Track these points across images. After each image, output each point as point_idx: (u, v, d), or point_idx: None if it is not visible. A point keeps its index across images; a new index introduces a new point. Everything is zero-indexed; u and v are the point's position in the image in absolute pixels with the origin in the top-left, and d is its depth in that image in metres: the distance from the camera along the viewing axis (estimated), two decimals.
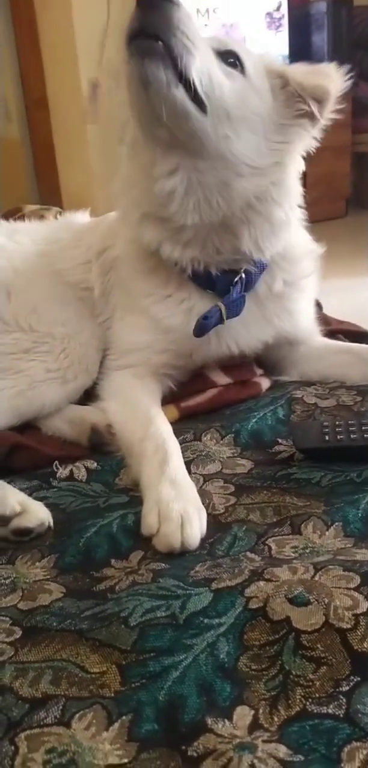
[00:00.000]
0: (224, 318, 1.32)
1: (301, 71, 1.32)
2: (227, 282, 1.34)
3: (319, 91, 1.29)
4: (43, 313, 1.39)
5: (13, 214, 2.08)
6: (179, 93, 1.17)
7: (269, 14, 5.08)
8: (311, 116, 1.30)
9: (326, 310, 1.81)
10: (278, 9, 5.10)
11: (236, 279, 1.34)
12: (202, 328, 1.30)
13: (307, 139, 1.34)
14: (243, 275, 1.34)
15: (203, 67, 1.18)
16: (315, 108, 1.29)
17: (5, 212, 2.02)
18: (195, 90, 1.18)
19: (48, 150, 5.16)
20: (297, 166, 1.37)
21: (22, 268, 1.47)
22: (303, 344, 1.51)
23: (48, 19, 4.79)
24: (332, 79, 1.30)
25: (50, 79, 5.02)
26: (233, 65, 1.26)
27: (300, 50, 5.04)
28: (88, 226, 1.65)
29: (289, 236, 1.39)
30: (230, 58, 1.25)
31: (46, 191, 5.05)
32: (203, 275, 1.36)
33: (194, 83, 1.17)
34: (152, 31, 1.13)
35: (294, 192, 1.38)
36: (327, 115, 1.31)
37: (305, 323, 1.50)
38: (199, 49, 1.17)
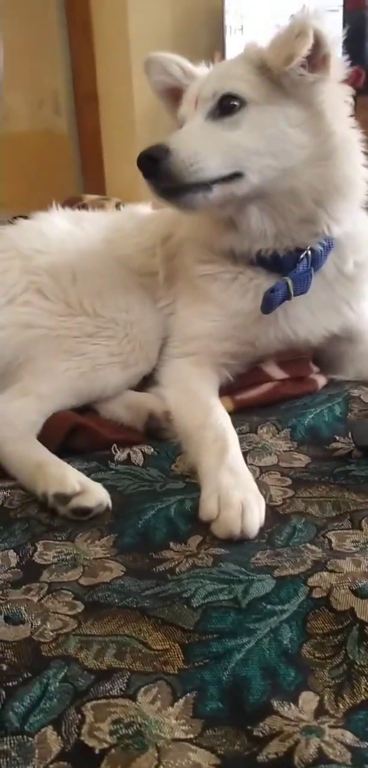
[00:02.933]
0: (292, 293, 1.32)
1: (273, 48, 1.28)
2: (293, 261, 1.35)
3: (289, 58, 1.23)
4: (107, 299, 1.40)
5: (75, 202, 2.10)
6: (214, 193, 1.26)
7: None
8: (317, 66, 1.26)
9: None
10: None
11: (302, 255, 1.34)
12: (269, 301, 1.30)
13: (332, 83, 1.31)
14: (309, 252, 1.35)
15: (214, 157, 1.25)
16: (309, 75, 1.26)
17: (66, 200, 2.04)
18: (222, 177, 1.26)
19: (95, 144, 5.18)
20: (341, 119, 1.34)
21: (88, 254, 1.49)
22: (363, 342, 1.50)
23: (103, 13, 4.82)
24: (301, 36, 1.22)
25: (101, 74, 5.04)
26: (232, 108, 1.28)
27: (355, 54, 5.00)
28: (152, 216, 1.66)
29: (358, 216, 1.40)
30: (229, 101, 1.28)
31: (92, 185, 5.08)
32: (270, 258, 1.37)
33: (219, 177, 1.26)
34: (168, 184, 1.25)
35: (357, 150, 1.36)
36: (328, 51, 1.25)
37: (366, 319, 1.50)
38: (205, 150, 1.25)
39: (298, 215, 1.33)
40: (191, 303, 1.45)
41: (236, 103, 1.28)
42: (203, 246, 1.45)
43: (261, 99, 1.28)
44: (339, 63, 1.31)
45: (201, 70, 1.45)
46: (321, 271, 1.39)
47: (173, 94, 1.45)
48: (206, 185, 1.25)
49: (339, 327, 1.44)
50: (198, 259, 1.45)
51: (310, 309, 1.39)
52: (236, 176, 1.27)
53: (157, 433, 1.31)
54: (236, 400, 1.40)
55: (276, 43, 1.27)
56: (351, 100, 1.36)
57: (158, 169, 1.22)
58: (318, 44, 1.23)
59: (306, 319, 1.40)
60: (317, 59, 1.25)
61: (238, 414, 1.36)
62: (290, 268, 1.34)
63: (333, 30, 1.28)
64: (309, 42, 1.21)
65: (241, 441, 1.21)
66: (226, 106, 1.28)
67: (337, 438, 1.25)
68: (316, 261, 1.36)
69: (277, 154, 1.28)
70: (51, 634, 0.81)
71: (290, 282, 1.32)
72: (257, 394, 1.42)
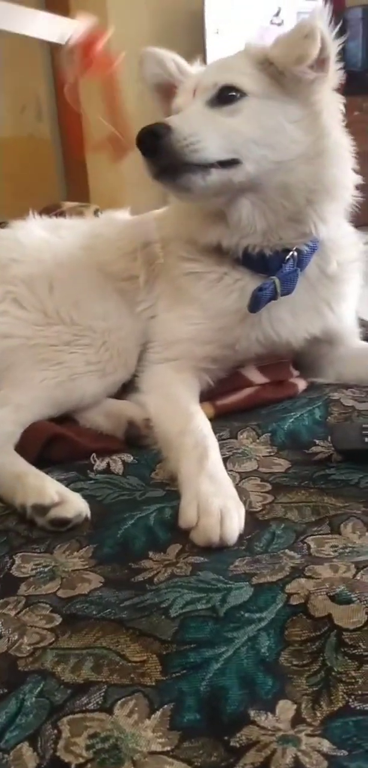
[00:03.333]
0: (278, 292, 1.33)
1: (281, 47, 1.31)
2: (279, 261, 1.35)
3: (300, 59, 1.27)
4: (84, 307, 1.40)
5: (53, 210, 2.09)
6: (213, 176, 1.28)
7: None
8: (317, 66, 1.29)
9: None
10: (277, 14, 5.04)
11: (288, 256, 1.35)
12: (257, 300, 1.31)
13: (329, 87, 1.34)
14: (295, 253, 1.36)
15: (214, 139, 1.27)
16: (310, 72, 1.28)
17: (44, 208, 2.03)
18: (221, 161, 1.27)
19: (78, 150, 5.17)
20: (336, 122, 1.37)
21: (65, 262, 1.48)
22: (343, 344, 1.51)
23: (83, 17, 4.81)
24: (310, 37, 1.25)
25: (84, 80, 5.04)
26: (232, 98, 1.30)
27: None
28: (131, 222, 1.66)
29: (340, 221, 1.42)
30: (228, 92, 1.30)
31: (75, 190, 5.07)
32: (256, 258, 1.38)
33: (217, 160, 1.27)
34: (167, 162, 1.25)
35: (346, 154, 1.39)
36: (328, 53, 1.29)
37: (348, 319, 1.51)
38: (205, 131, 1.26)
39: (288, 211, 1.35)
40: (172, 306, 1.45)
41: (236, 94, 1.30)
42: (188, 243, 1.45)
43: (261, 92, 1.31)
44: (336, 67, 1.33)
45: (196, 68, 1.47)
46: (304, 272, 1.39)
47: (165, 90, 1.46)
48: (205, 167, 1.26)
49: (320, 329, 1.44)
50: (182, 258, 1.46)
51: (292, 310, 1.40)
52: (234, 162, 1.29)
53: (137, 440, 1.30)
54: (216, 405, 1.39)
55: (283, 43, 1.31)
56: (343, 108, 1.39)
57: (158, 146, 1.23)
58: (322, 46, 1.26)
59: (289, 321, 1.40)
60: (318, 60, 1.28)
61: (219, 419, 1.35)
62: (275, 268, 1.35)
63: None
64: (318, 44, 1.25)
65: (221, 447, 1.21)
66: (226, 96, 1.31)
67: (317, 442, 1.25)
68: (301, 262, 1.37)
69: (274, 146, 1.30)
70: (28, 648, 0.81)
71: (277, 282, 1.32)
72: (238, 399, 1.42)
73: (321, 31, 1.25)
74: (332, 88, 1.35)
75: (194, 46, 4.71)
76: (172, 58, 1.46)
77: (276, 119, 1.31)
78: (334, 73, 1.33)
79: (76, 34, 0.95)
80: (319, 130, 1.33)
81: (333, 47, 1.30)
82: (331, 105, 1.36)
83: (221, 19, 4.89)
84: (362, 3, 5.46)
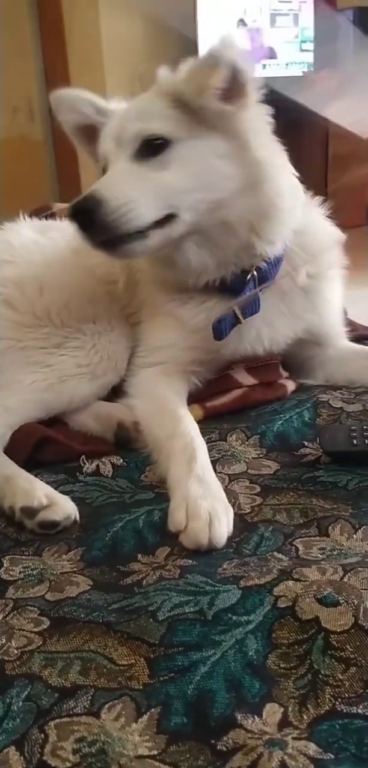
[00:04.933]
0: (241, 318, 1.33)
1: (186, 79, 1.26)
2: (242, 281, 1.35)
3: (201, 89, 1.23)
4: (74, 309, 1.40)
5: (43, 211, 2.09)
6: (152, 239, 1.26)
7: (241, 20, 5.01)
8: (237, 96, 1.25)
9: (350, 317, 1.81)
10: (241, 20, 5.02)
11: (248, 277, 1.34)
12: (218, 331, 1.32)
13: (253, 111, 1.30)
14: (255, 272, 1.35)
15: (146, 201, 1.23)
16: (226, 104, 1.25)
17: (35, 209, 2.03)
18: (157, 221, 1.25)
19: (70, 150, 5.16)
20: (265, 143, 1.33)
21: (55, 264, 1.48)
22: (330, 346, 1.51)
23: (75, 20, 4.81)
24: (212, 67, 1.22)
25: (75, 81, 5.03)
26: (157, 149, 1.26)
27: (326, 60, 5.03)
28: None
29: (301, 219, 1.40)
30: (154, 141, 1.26)
31: (68, 191, 5.06)
32: (218, 284, 1.37)
33: (152, 222, 1.24)
34: (104, 236, 1.23)
35: (283, 173, 1.37)
36: (245, 79, 1.25)
37: (331, 319, 1.50)
38: (135, 195, 1.22)
39: (234, 245, 1.33)
40: (153, 315, 1.45)
41: (160, 141, 1.26)
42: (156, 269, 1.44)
43: (185, 134, 1.27)
44: (256, 86, 1.29)
45: (116, 105, 1.41)
46: (275, 281, 1.38)
47: (86, 132, 1.42)
48: (142, 232, 1.24)
49: (303, 330, 1.45)
50: (154, 279, 1.45)
51: (268, 322, 1.40)
52: (169, 217, 1.26)
53: (127, 443, 1.30)
54: (206, 407, 1.40)
55: (190, 74, 1.26)
56: (270, 118, 1.35)
57: (92, 222, 1.21)
58: (235, 75, 1.22)
59: (265, 333, 1.40)
60: (236, 89, 1.24)
61: (208, 421, 1.36)
62: (240, 288, 1.34)
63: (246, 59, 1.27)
64: (221, 73, 1.21)
65: (211, 449, 1.21)
66: (151, 147, 1.26)
67: (306, 444, 1.25)
68: (264, 278, 1.36)
69: (207, 187, 1.27)
70: (15, 651, 0.80)
71: (237, 309, 1.33)
72: (227, 400, 1.42)
73: (229, 61, 1.21)
74: (256, 103, 1.31)
75: (186, 48, 4.72)
76: (87, 100, 1.41)
77: (205, 160, 1.27)
78: (256, 92, 1.29)
79: None
80: (250, 161, 1.29)
81: (249, 72, 1.26)
82: (258, 125, 1.32)
83: (213, 22, 4.89)
84: (353, 5, 5.46)
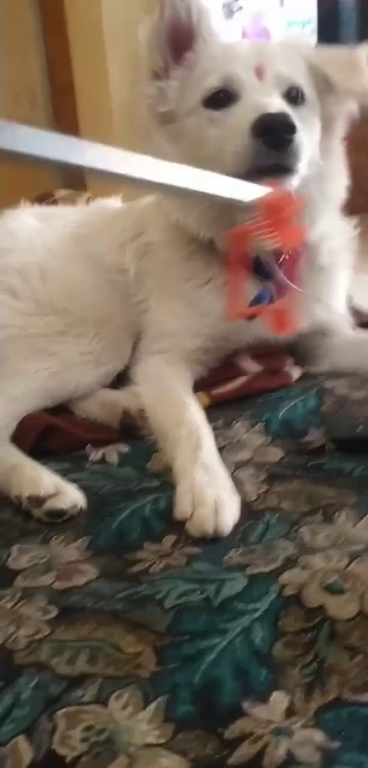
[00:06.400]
0: (275, 299, 1.33)
1: (339, 69, 1.31)
2: (269, 263, 1.34)
3: (360, 91, 1.29)
4: (77, 297, 1.40)
5: (45, 198, 2.09)
6: (295, 182, 1.23)
7: (226, 5, 4.95)
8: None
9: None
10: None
11: (280, 260, 1.34)
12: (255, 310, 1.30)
13: (341, 118, 1.37)
14: (287, 256, 1.35)
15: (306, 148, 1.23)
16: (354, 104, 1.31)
17: (37, 197, 2.03)
18: None
19: (74, 137, 5.14)
20: (340, 133, 1.39)
21: (57, 252, 1.47)
22: (336, 335, 1.51)
23: (76, 5, 4.78)
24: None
25: (77, 66, 5.00)
26: (297, 99, 1.28)
27: (329, 40, 4.98)
28: (121, 211, 1.65)
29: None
30: (294, 92, 1.28)
31: (72, 178, 5.04)
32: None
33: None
34: (281, 161, 1.19)
35: (342, 162, 1.41)
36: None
37: (339, 311, 1.51)
38: (304, 139, 1.21)
39: None
40: (162, 301, 1.44)
41: (298, 96, 1.28)
42: (181, 238, 1.42)
43: (311, 104, 1.31)
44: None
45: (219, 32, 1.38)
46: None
47: (177, 35, 1.34)
48: (291, 173, 1.21)
49: (310, 323, 1.44)
50: (171, 259, 1.44)
51: None
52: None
53: (132, 431, 1.30)
54: (212, 394, 1.39)
55: (336, 59, 1.32)
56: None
57: (288, 142, 1.17)
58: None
59: None
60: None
61: (214, 409, 1.35)
62: (266, 270, 1.34)
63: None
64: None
65: (216, 436, 1.21)
66: (292, 96, 1.27)
67: (311, 431, 1.25)
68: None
69: (309, 161, 1.28)
70: (24, 641, 0.81)
71: (273, 289, 1.33)
72: (233, 388, 1.41)
73: None
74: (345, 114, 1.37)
75: None
76: (203, 10, 1.35)
77: (312, 132, 1.30)
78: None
79: (265, 194, 0.93)
80: (329, 149, 1.35)
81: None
82: (339, 123, 1.37)
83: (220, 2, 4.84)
84: None
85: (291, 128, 1.17)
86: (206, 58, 1.33)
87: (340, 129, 1.38)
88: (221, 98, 1.27)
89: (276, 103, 1.21)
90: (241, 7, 4.81)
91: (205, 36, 1.34)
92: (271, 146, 1.17)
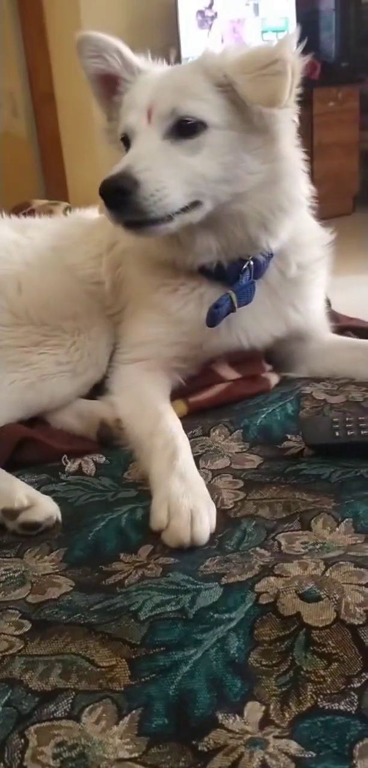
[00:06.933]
0: (236, 305, 1.32)
1: (245, 74, 1.21)
2: (236, 270, 1.34)
3: (272, 101, 1.20)
4: (53, 307, 1.39)
5: (23, 208, 2.08)
6: (175, 223, 1.24)
7: (200, 12, 4.97)
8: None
9: (334, 307, 1.80)
10: (210, 6, 4.97)
11: (244, 266, 1.34)
12: (214, 316, 1.30)
13: (288, 114, 1.29)
14: (252, 262, 1.34)
15: (179, 187, 1.21)
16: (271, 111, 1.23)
17: (14, 207, 2.02)
18: (184, 207, 1.23)
19: (55, 146, 5.15)
20: (290, 141, 1.33)
21: (34, 263, 1.47)
22: (313, 340, 1.51)
23: (55, 13, 4.79)
24: (282, 75, 1.18)
25: (58, 74, 5.01)
26: (192, 130, 1.23)
27: (310, 46, 5.01)
28: (98, 222, 1.64)
29: (300, 219, 1.40)
30: (186, 121, 1.23)
31: (53, 187, 5.04)
32: (212, 270, 1.36)
33: (181, 208, 1.23)
34: (134, 218, 1.20)
35: (297, 167, 1.36)
36: (296, 83, 1.22)
37: (315, 317, 1.50)
38: (169, 179, 1.19)
39: (241, 235, 1.32)
40: (137, 310, 1.44)
41: (196, 124, 1.23)
42: (143, 256, 1.43)
43: (222, 122, 1.24)
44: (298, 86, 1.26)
45: (145, 65, 1.38)
46: (264, 277, 1.38)
47: (107, 82, 1.37)
48: (169, 217, 1.22)
49: (285, 330, 1.44)
50: (140, 270, 1.44)
51: (255, 317, 1.39)
52: (195, 205, 1.25)
53: (109, 441, 1.29)
54: (189, 402, 1.39)
55: (249, 68, 1.21)
56: (297, 120, 1.34)
57: (124, 202, 1.17)
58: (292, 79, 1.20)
59: (251, 327, 1.39)
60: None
61: (191, 416, 1.35)
62: (232, 277, 1.34)
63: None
64: (289, 81, 1.18)
65: (194, 444, 1.20)
66: (185, 127, 1.23)
67: (289, 437, 1.25)
68: (258, 270, 1.36)
69: (232, 180, 1.26)
70: None
71: (233, 296, 1.32)
72: (211, 395, 1.41)
73: (292, 65, 1.18)
74: (293, 107, 1.28)
75: (169, 39, 4.70)
76: (116, 50, 1.35)
77: (236, 153, 1.25)
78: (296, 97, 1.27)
79: None
80: (277, 156, 1.29)
81: (298, 75, 1.22)
82: (288, 123, 1.31)
83: (195, 10, 4.87)
84: None
85: (120, 191, 1.16)
86: (126, 100, 1.34)
87: (286, 132, 1.31)
88: (128, 142, 1.29)
89: (123, 164, 1.19)
90: (216, 14, 4.84)
91: (126, 76, 1.35)
92: (110, 208, 1.20)
